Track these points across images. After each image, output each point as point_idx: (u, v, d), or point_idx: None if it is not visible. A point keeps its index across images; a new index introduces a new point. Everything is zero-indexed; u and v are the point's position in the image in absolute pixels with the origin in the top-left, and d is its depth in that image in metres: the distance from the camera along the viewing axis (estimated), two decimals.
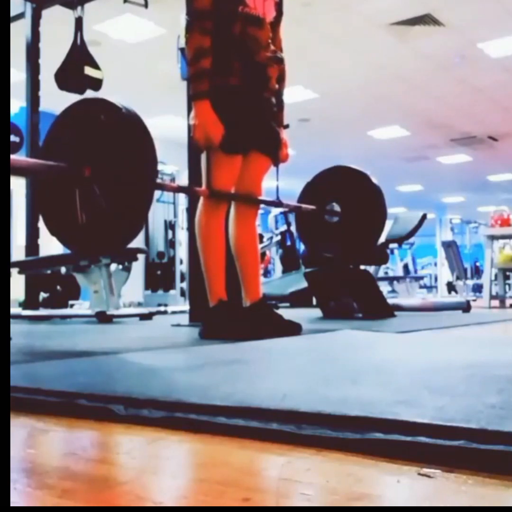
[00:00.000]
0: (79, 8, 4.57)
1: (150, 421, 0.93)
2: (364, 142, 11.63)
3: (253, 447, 0.80)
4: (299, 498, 0.61)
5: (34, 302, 4.89)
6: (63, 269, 4.37)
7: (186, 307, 4.55)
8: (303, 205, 3.48)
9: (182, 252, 7.66)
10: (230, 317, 2.51)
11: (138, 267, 6.91)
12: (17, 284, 4.23)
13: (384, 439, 0.75)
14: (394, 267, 11.77)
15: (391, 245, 6.01)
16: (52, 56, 4.57)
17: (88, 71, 4.53)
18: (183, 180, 6.34)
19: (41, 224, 4.56)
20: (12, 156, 2.12)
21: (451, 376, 1.20)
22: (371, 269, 5.12)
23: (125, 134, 2.16)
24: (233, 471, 0.71)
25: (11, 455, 0.76)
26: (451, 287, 13.15)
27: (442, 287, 15.08)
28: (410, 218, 5.63)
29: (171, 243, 7.89)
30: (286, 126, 2.79)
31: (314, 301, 4.58)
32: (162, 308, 5.76)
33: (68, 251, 2.93)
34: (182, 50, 3.58)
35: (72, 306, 5.36)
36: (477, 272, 13.67)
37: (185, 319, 3.62)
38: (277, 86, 2.68)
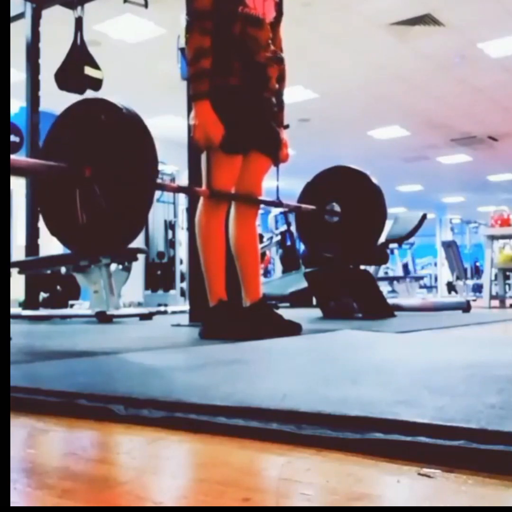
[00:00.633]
0: (79, 8, 4.57)
1: (150, 421, 0.93)
2: (364, 142, 11.63)
3: (253, 447, 0.80)
4: (299, 498, 0.61)
5: (34, 302, 4.89)
6: (63, 269, 4.37)
7: (186, 307, 4.55)
8: (303, 205, 3.48)
9: (182, 252, 7.66)
10: (230, 317, 2.51)
11: (138, 267, 6.91)
12: (17, 284, 4.23)
13: (384, 439, 0.75)
14: (394, 267, 11.77)
15: (391, 245, 6.01)
16: (52, 56, 4.57)
17: (88, 71, 4.53)
18: (183, 180, 6.34)
19: (41, 224, 4.56)
20: (12, 156, 2.12)
21: (451, 376, 1.20)
22: (371, 269, 5.12)
23: (126, 134, 2.16)
24: (233, 471, 0.71)
25: (11, 455, 0.76)
26: (451, 287, 13.16)
27: (442, 287, 15.08)
28: (410, 218, 5.63)
29: (171, 243, 7.89)
30: (286, 126, 2.79)
31: (314, 301, 4.58)
32: (162, 308, 5.76)
33: (68, 251, 2.93)
34: (182, 50, 3.58)
35: (72, 306, 5.36)
36: (477, 272, 13.67)
37: (185, 319, 3.62)
38: (277, 86, 2.68)
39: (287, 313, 2.88)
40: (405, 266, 12.45)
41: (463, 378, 1.16)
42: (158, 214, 7.77)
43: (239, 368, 1.45)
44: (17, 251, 5.51)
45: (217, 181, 2.54)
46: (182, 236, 7.73)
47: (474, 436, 0.71)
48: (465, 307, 4.79)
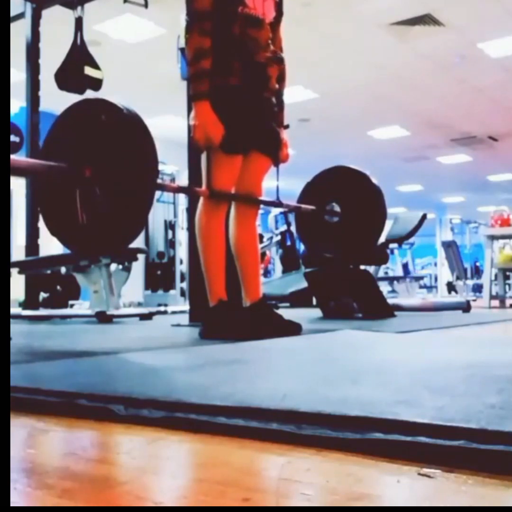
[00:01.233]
0: (79, 8, 4.57)
1: (150, 421, 0.93)
2: (364, 142, 11.63)
3: (253, 447, 0.80)
4: (299, 498, 0.61)
5: (34, 302, 4.88)
6: (63, 269, 4.37)
7: (186, 307, 4.55)
8: (303, 205, 3.48)
9: (182, 252, 7.66)
10: (230, 317, 2.51)
11: (138, 267, 6.91)
12: (17, 284, 4.23)
13: (384, 439, 0.75)
14: (394, 267, 11.77)
15: (391, 245, 6.01)
16: (52, 56, 4.57)
17: (88, 71, 4.53)
18: (183, 180, 6.34)
19: (41, 224, 4.56)
20: (12, 156, 2.12)
21: (451, 376, 1.20)
22: (371, 269, 5.12)
23: (126, 134, 2.16)
24: (233, 471, 0.71)
25: (11, 455, 0.76)
26: (451, 287, 13.16)
27: (442, 287, 15.08)
28: (410, 218, 5.63)
29: (171, 243, 7.89)
30: (286, 126, 2.79)
31: (314, 301, 4.58)
32: (162, 308, 5.76)
33: (68, 251, 2.93)
34: (182, 50, 3.58)
35: (72, 306, 5.36)
36: (477, 272, 13.67)
37: (185, 319, 3.62)
38: (277, 86, 2.68)
39: (287, 313, 2.88)
40: (405, 266, 12.46)
41: (463, 378, 1.16)
42: (158, 214, 7.77)
43: (239, 368, 1.45)
44: (17, 251, 5.51)
45: (217, 181, 2.54)
46: (182, 236, 7.73)
47: (474, 436, 0.71)
48: (465, 307, 4.79)
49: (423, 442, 0.72)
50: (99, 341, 2.63)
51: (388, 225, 4.24)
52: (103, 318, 3.97)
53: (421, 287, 14.13)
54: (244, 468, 0.73)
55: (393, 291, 9.05)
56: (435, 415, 0.80)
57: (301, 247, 7.06)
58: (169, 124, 9.17)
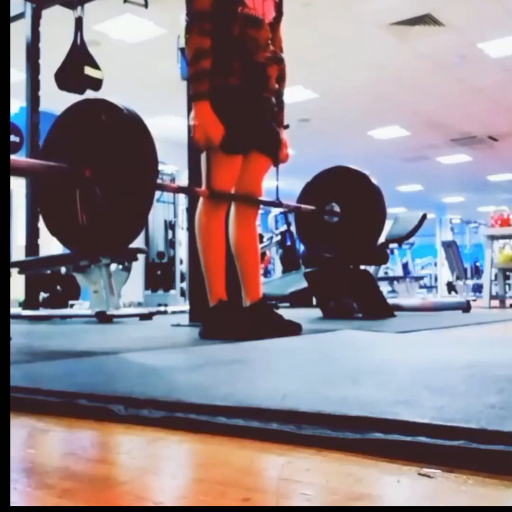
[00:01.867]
0: (79, 8, 4.57)
1: (150, 421, 0.93)
2: (364, 142, 11.63)
3: (253, 447, 0.80)
4: (299, 498, 0.61)
5: (34, 302, 4.88)
6: (63, 269, 4.37)
7: (186, 307, 4.54)
8: (303, 205, 3.48)
9: (182, 252, 7.66)
10: (230, 317, 2.51)
11: (138, 267, 6.91)
12: (17, 284, 4.23)
13: (384, 439, 0.75)
14: (394, 267, 11.77)
15: (391, 245, 6.01)
16: (52, 56, 4.57)
17: (88, 71, 4.53)
18: (183, 180, 6.34)
19: (41, 224, 4.56)
20: (12, 156, 2.12)
21: (451, 376, 1.20)
22: (371, 269, 5.12)
23: (126, 134, 2.16)
24: (233, 471, 0.71)
25: (11, 455, 0.76)
26: (451, 287, 13.16)
27: (442, 287, 15.08)
28: (410, 218, 5.63)
29: (171, 243, 7.89)
30: (286, 126, 2.79)
31: (314, 301, 4.58)
32: (162, 308, 5.76)
33: (68, 251, 2.92)
34: (182, 50, 3.58)
35: (72, 306, 5.36)
36: (477, 272, 13.67)
37: (185, 319, 3.62)
38: (276, 86, 2.69)
39: (287, 313, 2.88)
40: (405, 266, 12.45)
41: (463, 378, 1.16)
42: (158, 214, 7.77)
43: (239, 368, 1.45)
44: (17, 251, 5.51)
45: (217, 181, 2.54)
46: (182, 236, 7.73)
47: (474, 436, 0.71)
48: (465, 307, 4.78)
49: (423, 442, 0.72)
50: (99, 341, 2.63)
51: (388, 225, 4.24)
52: (103, 318, 3.97)
53: (421, 287, 14.13)
54: (244, 468, 0.73)
55: (393, 291, 9.06)
56: (435, 415, 0.80)
57: (301, 247, 7.06)
58: (169, 124, 9.17)
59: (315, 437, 0.79)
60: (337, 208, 3.56)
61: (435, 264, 17.68)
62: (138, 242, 5.72)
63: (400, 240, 5.57)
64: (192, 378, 1.30)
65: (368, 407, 0.86)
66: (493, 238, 6.79)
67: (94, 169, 2.17)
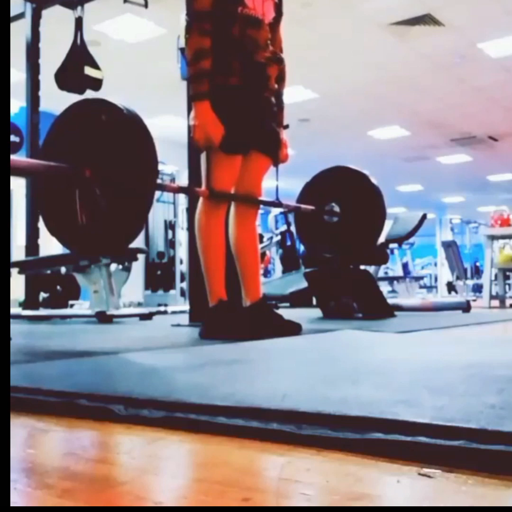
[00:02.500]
0: (79, 8, 4.57)
1: (150, 421, 0.93)
2: (364, 142, 11.63)
3: (253, 447, 0.80)
4: (299, 498, 0.61)
5: (34, 302, 4.88)
6: (63, 269, 4.37)
7: (186, 307, 4.54)
8: (303, 205, 3.48)
9: (182, 252, 7.66)
10: (230, 317, 2.51)
11: (138, 267, 6.92)
12: (17, 284, 4.23)
13: (384, 439, 0.75)
14: (394, 267, 11.77)
15: (391, 245, 6.01)
16: (52, 56, 4.57)
17: (88, 71, 4.53)
18: (183, 180, 6.34)
19: (41, 224, 4.56)
20: (12, 156, 2.12)
21: (451, 376, 1.20)
22: (371, 269, 5.12)
23: (126, 134, 2.16)
24: (233, 471, 0.71)
25: (11, 455, 0.76)
26: (451, 287, 13.15)
27: (442, 287, 15.07)
28: (410, 218, 5.63)
29: (171, 243, 7.89)
30: (286, 126, 2.79)
31: (314, 301, 4.58)
32: (162, 308, 5.76)
33: (68, 251, 2.92)
34: (182, 50, 3.58)
35: (72, 306, 5.36)
36: (477, 272, 13.66)
37: (185, 319, 3.62)
38: (276, 85, 2.69)
39: (287, 313, 2.88)
40: (405, 266, 12.45)
41: (463, 378, 1.16)
42: (158, 214, 7.77)
43: (239, 368, 1.45)
44: (17, 251, 5.51)
45: (217, 181, 2.54)
46: (182, 236, 7.73)
47: (474, 436, 0.71)
48: (465, 307, 4.78)
49: (423, 442, 0.72)
50: (99, 341, 2.63)
51: (388, 225, 4.24)
52: (103, 318, 3.97)
53: (421, 287, 14.13)
54: (244, 468, 0.73)
55: (393, 291, 9.06)
56: (435, 415, 0.80)
57: (301, 247, 7.06)
58: (169, 124, 9.18)
59: (315, 437, 0.79)
60: (337, 208, 3.56)
61: (435, 264, 17.68)
62: (138, 242, 5.72)
63: (400, 240, 5.57)
64: (192, 378, 1.30)
65: (368, 407, 0.86)
66: (493, 238, 6.79)
67: (94, 169, 2.17)
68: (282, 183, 2.98)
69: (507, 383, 1.10)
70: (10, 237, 3.01)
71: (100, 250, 3.07)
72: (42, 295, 5.04)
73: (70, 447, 0.88)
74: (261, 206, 2.92)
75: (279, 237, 8.56)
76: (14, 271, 4.35)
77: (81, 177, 2.18)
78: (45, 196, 2.50)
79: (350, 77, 8.38)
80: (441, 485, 0.63)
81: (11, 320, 3.43)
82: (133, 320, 4.23)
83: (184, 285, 7.30)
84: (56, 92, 4.37)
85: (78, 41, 4.58)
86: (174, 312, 5.38)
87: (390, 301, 4.54)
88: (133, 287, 6.42)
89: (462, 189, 16.86)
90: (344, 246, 3.59)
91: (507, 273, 7.89)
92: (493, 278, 7.08)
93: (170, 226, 7.92)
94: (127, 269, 4.53)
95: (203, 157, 2.58)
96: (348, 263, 3.87)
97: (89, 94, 3.60)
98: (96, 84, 4.57)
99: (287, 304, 6.19)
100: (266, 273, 10.07)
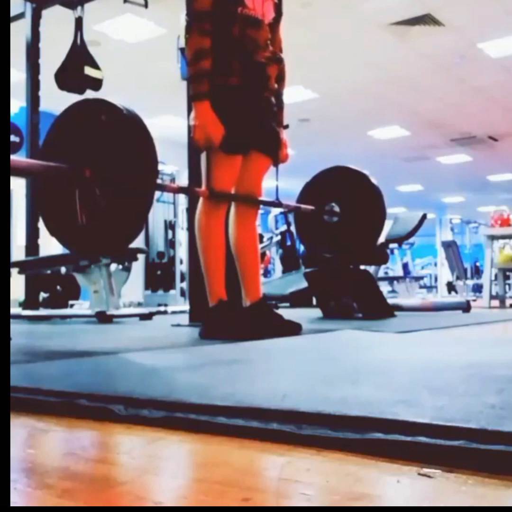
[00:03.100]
0: (79, 8, 4.57)
1: (150, 421, 0.93)
2: (364, 142, 11.63)
3: (253, 447, 0.80)
4: (299, 498, 0.61)
5: (34, 302, 4.88)
6: (63, 269, 4.37)
7: (186, 307, 4.54)
8: (303, 205, 3.48)
9: (182, 252, 7.66)
10: (230, 317, 2.51)
11: (138, 267, 6.92)
12: (17, 284, 4.23)
13: (384, 439, 0.75)
14: (394, 267, 11.77)
15: (391, 245, 6.01)
16: (52, 56, 4.57)
17: (88, 71, 4.53)
18: (183, 180, 6.34)
19: (41, 224, 4.56)
20: (12, 156, 2.12)
21: (451, 376, 1.20)
22: (371, 269, 5.12)
23: (126, 134, 2.16)
24: (233, 471, 0.71)
25: (11, 455, 0.76)
26: (451, 287, 13.15)
27: (442, 287, 15.07)
28: (410, 218, 5.63)
29: (171, 243, 7.89)
30: (286, 126, 2.79)
31: (314, 301, 4.58)
32: (162, 308, 5.76)
33: (68, 251, 2.92)
34: (182, 50, 3.58)
35: (72, 306, 5.36)
36: (477, 272, 13.66)
37: (185, 319, 3.62)
38: (276, 85, 2.69)
39: (287, 313, 2.88)
40: (405, 266, 12.45)
41: (463, 378, 1.16)
42: (158, 214, 7.77)
43: (239, 368, 1.45)
44: (17, 251, 5.51)
45: (217, 181, 2.54)
46: (182, 236, 7.73)
47: (474, 436, 0.71)
48: (465, 307, 4.78)
49: (423, 442, 0.72)
50: (99, 341, 2.63)
51: (388, 225, 4.24)
52: (103, 318, 3.97)
53: (421, 287, 14.13)
54: (244, 468, 0.73)
55: (393, 291, 9.06)
56: (435, 415, 0.80)
57: (301, 247, 7.06)
58: (169, 124, 9.18)
59: (315, 437, 0.79)
60: (336, 208, 3.56)
61: (435, 264, 17.67)
62: (138, 242, 5.72)
63: (400, 240, 5.57)
64: (192, 378, 1.30)
65: (368, 407, 0.86)
66: (493, 238, 6.79)
67: (94, 169, 2.17)
68: (282, 183, 2.98)
69: (507, 383, 1.10)
70: (10, 237, 3.01)
71: (100, 250, 3.07)
72: (42, 295, 5.04)
73: (70, 447, 0.88)
74: (261, 206, 2.92)
75: (279, 237, 8.56)
76: (14, 271, 4.35)
77: (81, 177, 2.18)
78: (45, 196, 2.50)
79: (350, 77, 8.38)
80: (441, 485, 0.63)
81: (11, 320, 3.43)
82: (133, 320, 4.23)
83: (184, 285, 7.30)
84: (56, 92, 4.37)
85: (78, 41, 4.58)
86: (174, 312, 5.38)
87: (390, 301, 4.54)
88: (133, 287, 6.42)
89: (462, 189, 16.86)
90: (344, 246, 3.59)
91: (507, 273, 7.88)
92: (493, 278, 7.08)
93: (170, 226, 7.92)
94: (127, 269, 4.53)
95: (203, 157, 2.58)
96: (348, 263, 3.87)
97: (89, 94, 3.60)
98: (96, 84, 4.57)
99: (287, 304, 6.19)
100: (266, 273, 10.07)
